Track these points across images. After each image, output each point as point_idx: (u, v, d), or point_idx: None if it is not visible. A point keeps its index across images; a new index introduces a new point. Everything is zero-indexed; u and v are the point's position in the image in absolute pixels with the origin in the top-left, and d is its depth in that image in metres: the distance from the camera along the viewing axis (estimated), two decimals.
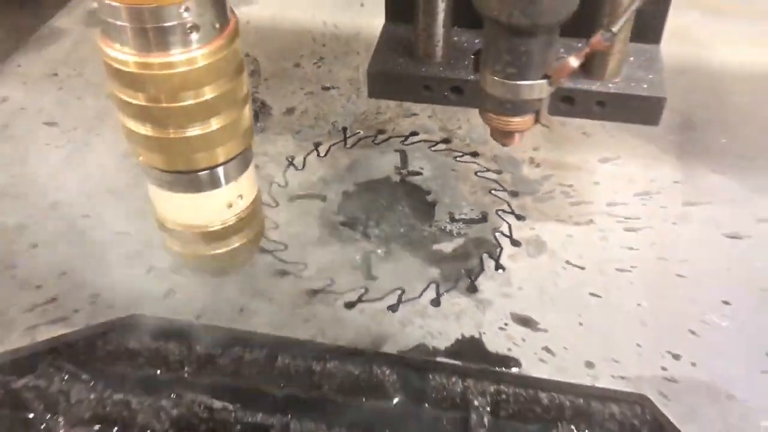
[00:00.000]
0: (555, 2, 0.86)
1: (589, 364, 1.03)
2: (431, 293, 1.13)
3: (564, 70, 0.92)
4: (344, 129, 1.46)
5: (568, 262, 1.18)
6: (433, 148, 1.41)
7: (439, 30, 1.19)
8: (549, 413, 0.91)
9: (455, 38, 1.25)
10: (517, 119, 0.97)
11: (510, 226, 1.24)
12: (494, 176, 1.34)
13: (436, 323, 1.09)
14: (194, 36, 0.77)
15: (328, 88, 1.57)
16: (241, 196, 0.92)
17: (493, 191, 1.31)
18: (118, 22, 0.75)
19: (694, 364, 1.03)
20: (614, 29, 0.92)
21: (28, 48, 1.72)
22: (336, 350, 1.00)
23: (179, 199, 0.89)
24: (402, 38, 1.27)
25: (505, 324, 1.08)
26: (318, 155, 1.40)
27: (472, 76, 1.19)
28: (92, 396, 0.92)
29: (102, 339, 0.99)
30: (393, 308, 1.11)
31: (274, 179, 1.34)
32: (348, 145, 1.42)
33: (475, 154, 1.39)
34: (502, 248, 1.20)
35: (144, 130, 0.82)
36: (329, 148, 1.42)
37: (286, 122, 1.48)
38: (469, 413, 0.91)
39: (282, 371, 0.96)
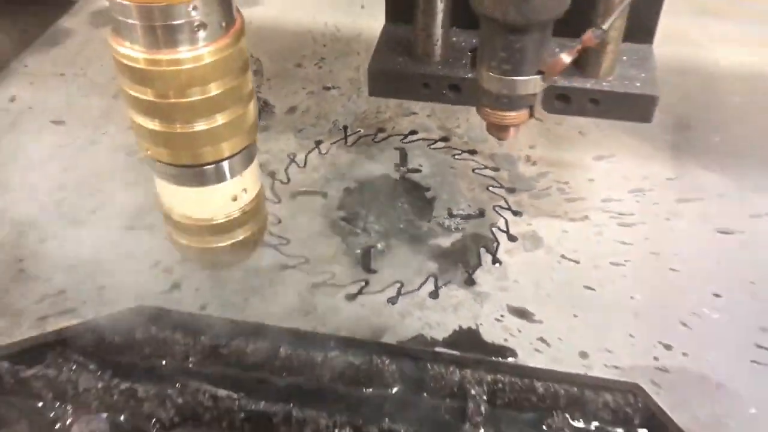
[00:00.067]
0: (547, 0, 0.89)
1: (583, 354, 1.05)
2: (430, 286, 1.15)
3: (557, 66, 0.94)
4: (345, 127, 1.47)
5: (563, 256, 1.20)
6: (432, 146, 1.42)
7: (438, 30, 1.21)
8: (544, 402, 0.93)
9: (453, 38, 1.27)
10: (512, 114, 1.00)
11: (507, 222, 1.26)
12: (491, 173, 1.36)
13: (435, 315, 1.10)
14: (201, 34, 0.78)
15: (329, 88, 1.59)
16: (245, 190, 0.94)
17: (490, 188, 1.33)
18: (129, 20, 0.77)
19: (685, 355, 1.04)
20: (604, 26, 0.95)
21: (35, 48, 1.73)
22: (337, 341, 1.01)
23: (185, 193, 0.91)
24: (401, 38, 1.29)
25: (502, 315, 1.10)
26: (319, 153, 1.42)
27: (469, 75, 1.21)
28: (99, 385, 0.93)
29: (109, 330, 1.00)
30: (392, 300, 1.13)
31: (276, 176, 1.36)
32: (349, 144, 1.44)
33: (473, 152, 1.40)
34: (499, 243, 1.22)
35: (152, 124, 0.84)
36: (330, 146, 1.44)
37: (288, 121, 1.50)
38: (466, 402, 0.92)
39: (284, 361, 0.98)
